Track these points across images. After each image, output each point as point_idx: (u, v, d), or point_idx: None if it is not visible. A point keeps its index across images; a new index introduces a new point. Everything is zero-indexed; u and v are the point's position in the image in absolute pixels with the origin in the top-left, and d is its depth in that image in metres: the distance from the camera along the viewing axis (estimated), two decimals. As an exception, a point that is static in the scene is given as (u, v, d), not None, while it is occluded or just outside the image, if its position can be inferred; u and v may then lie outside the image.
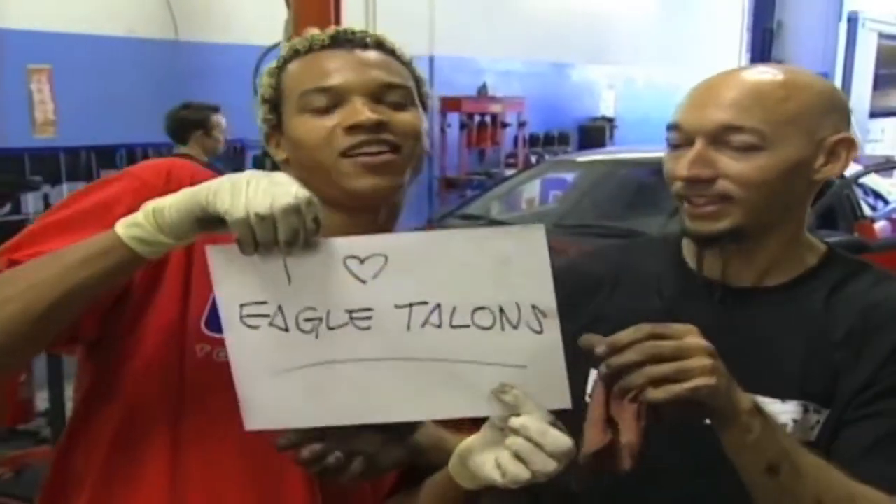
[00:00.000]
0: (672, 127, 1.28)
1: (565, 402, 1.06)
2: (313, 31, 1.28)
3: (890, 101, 13.74)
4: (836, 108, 1.28)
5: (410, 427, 1.16)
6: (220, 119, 4.83)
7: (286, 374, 1.07)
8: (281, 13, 4.40)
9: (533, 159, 8.24)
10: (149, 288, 1.17)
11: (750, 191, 1.23)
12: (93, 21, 5.46)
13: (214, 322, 1.12)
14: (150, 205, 1.03)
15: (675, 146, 1.28)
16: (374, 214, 1.24)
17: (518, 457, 1.03)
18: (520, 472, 1.03)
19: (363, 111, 1.19)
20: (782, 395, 1.24)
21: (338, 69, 1.23)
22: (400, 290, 1.05)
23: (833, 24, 11.96)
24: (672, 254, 1.38)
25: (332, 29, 1.27)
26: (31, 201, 5.34)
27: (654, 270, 1.37)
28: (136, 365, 1.17)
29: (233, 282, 1.06)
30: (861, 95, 12.65)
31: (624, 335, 1.04)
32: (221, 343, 1.10)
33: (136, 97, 5.41)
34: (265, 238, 1.00)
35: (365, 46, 1.26)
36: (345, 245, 1.05)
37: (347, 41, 1.25)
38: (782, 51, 11.84)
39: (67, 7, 5.34)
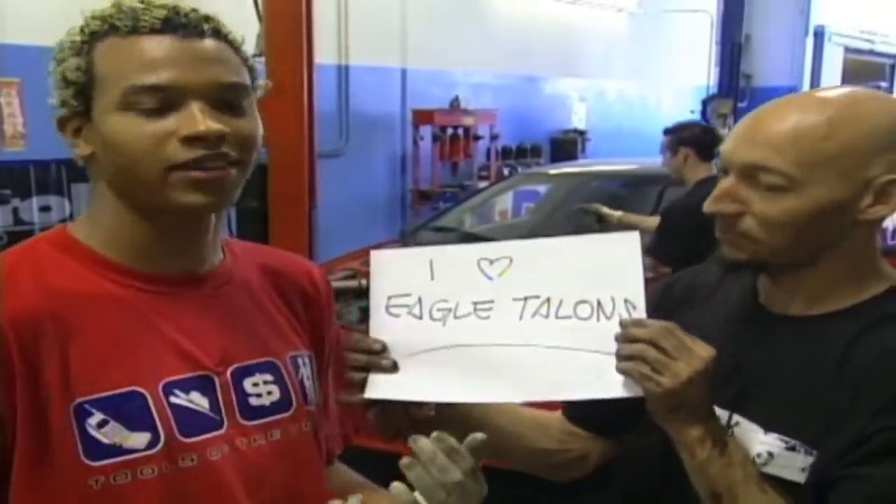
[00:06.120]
0: (718, 153, 1.28)
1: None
2: (129, 1, 1.07)
3: (856, 113, 13.93)
4: (894, 145, 1.16)
5: None
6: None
7: (413, 356, 1.22)
8: (253, 27, 4.39)
9: (505, 172, 8.27)
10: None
11: (772, 231, 1.19)
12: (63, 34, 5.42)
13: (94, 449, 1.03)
14: None
15: (720, 171, 1.26)
16: (200, 224, 1.14)
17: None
18: None
19: (203, 120, 1.04)
20: (766, 426, 1.21)
21: (171, 63, 1.04)
22: (518, 286, 1.22)
23: (800, 39, 12.12)
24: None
25: (159, 5, 1.07)
26: (-1, 215, 5.30)
27: (733, 286, 1.36)
28: None
29: (387, 278, 1.26)
30: (828, 108, 12.82)
31: (653, 321, 1.16)
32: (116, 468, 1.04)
33: (108, 110, 5.37)
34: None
35: (201, 34, 1.07)
36: (479, 249, 1.26)
37: (181, 26, 1.06)
38: (751, 65, 11.98)
39: (37, 20, 5.31)
